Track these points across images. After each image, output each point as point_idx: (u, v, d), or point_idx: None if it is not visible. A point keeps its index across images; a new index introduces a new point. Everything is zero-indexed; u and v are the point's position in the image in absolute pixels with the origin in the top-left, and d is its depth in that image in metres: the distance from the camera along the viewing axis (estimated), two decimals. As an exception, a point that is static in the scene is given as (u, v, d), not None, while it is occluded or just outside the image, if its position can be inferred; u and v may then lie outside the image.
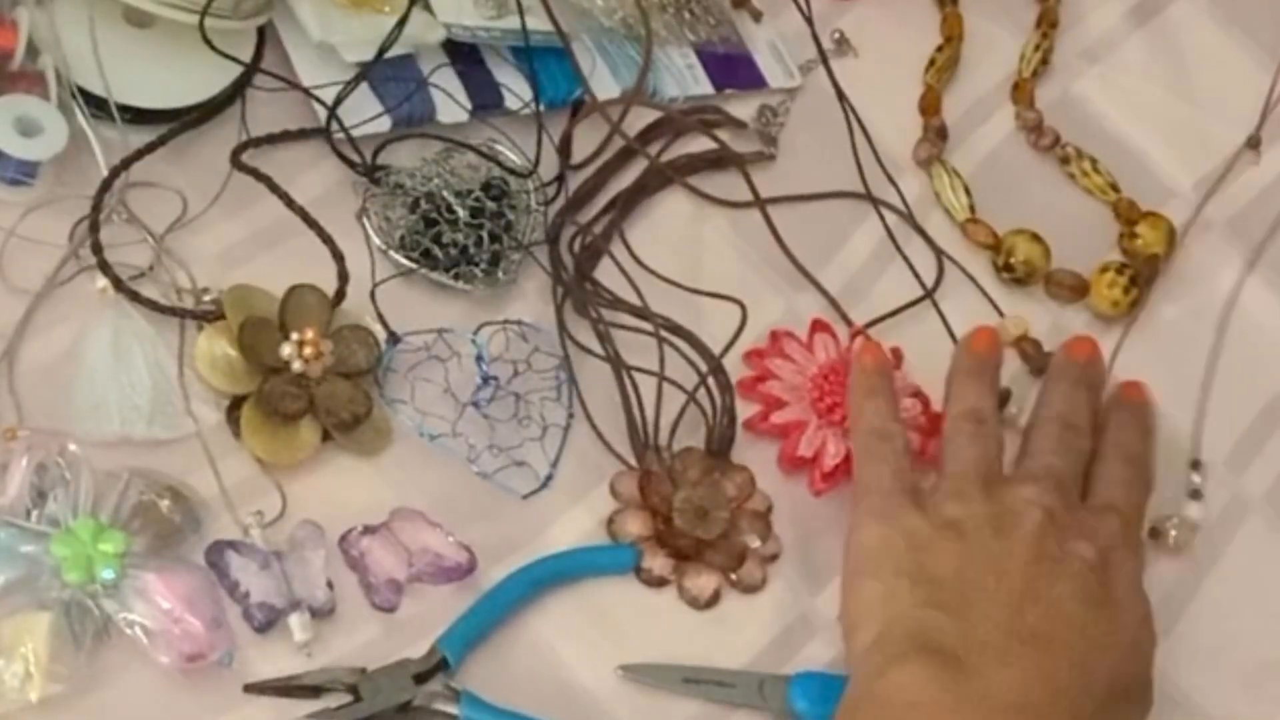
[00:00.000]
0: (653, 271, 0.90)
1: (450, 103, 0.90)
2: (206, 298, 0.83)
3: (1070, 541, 0.80)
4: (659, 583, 0.83)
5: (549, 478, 0.84)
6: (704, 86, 0.96)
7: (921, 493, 0.83)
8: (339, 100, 0.86)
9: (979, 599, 0.78)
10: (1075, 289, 0.95)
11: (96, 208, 0.82)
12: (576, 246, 0.90)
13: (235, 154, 0.85)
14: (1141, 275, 0.95)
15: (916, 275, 0.94)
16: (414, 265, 0.86)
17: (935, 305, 0.93)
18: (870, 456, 0.84)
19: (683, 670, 0.81)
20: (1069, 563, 0.79)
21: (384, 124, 0.88)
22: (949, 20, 1.01)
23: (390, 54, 0.87)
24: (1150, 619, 0.82)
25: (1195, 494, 0.90)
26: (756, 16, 0.99)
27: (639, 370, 0.86)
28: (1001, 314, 0.94)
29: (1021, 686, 0.76)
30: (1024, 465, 0.84)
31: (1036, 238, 0.95)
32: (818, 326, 0.91)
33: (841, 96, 0.97)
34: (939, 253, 0.95)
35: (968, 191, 0.96)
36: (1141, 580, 0.82)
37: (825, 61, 0.98)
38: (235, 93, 0.87)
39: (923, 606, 0.78)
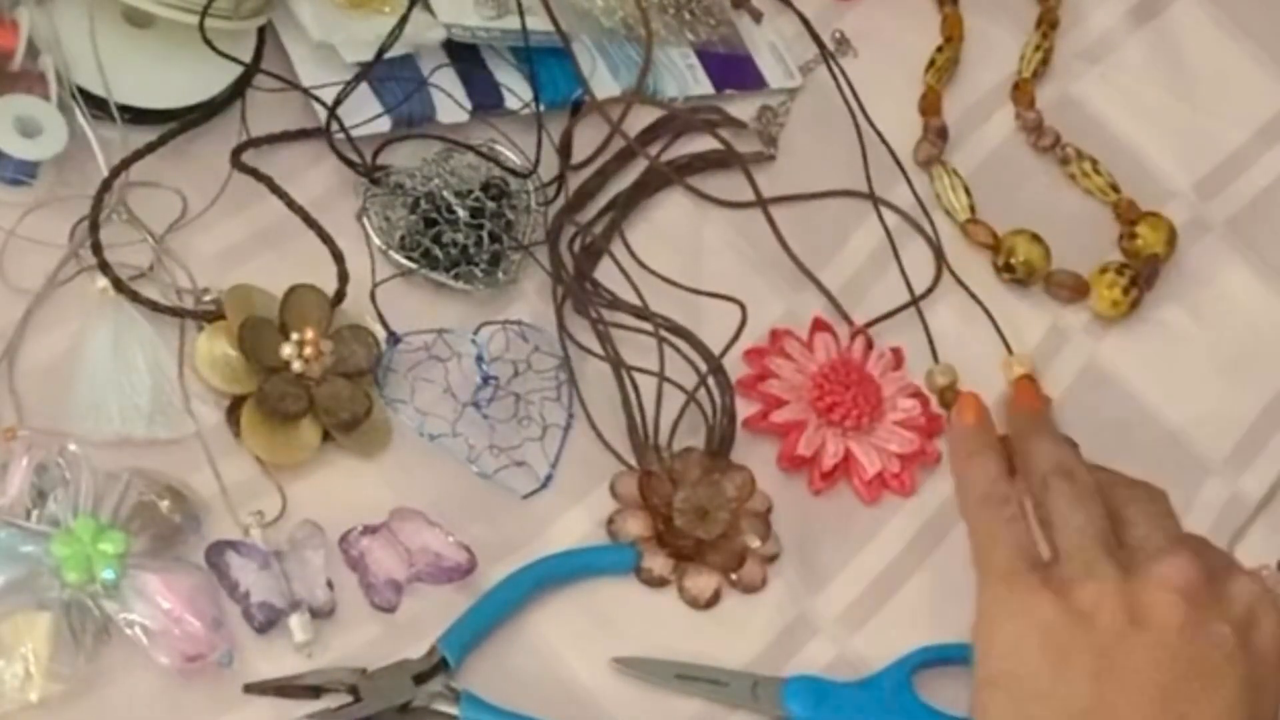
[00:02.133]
0: (653, 271, 0.90)
1: (450, 103, 0.90)
2: (206, 298, 0.83)
3: (1211, 627, 0.74)
4: (659, 583, 0.83)
5: (549, 478, 0.84)
6: (704, 86, 0.96)
7: (1048, 567, 0.76)
8: (339, 100, 0.86)
9: None
10: (1075, 289, 0.95)
11: (96, 208, 0.82)
12: (576, 246, 0.90)
13: (235, 154, 0.85)
14: (1141, 275, 0.95)
15: (907, 282, 0.94)
16: (414, 265, 0.86)
17: (920, 314, 0.93)
18: (984, 529, 0.78)
19: (676, 666, 0.81)
20: (1211, 658, 0.73)
21: (384, 124, 0.88)
22: (949, 20, 1.01)
23: (390, 54, 0.87)
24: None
25: None
26: (756, 17, 0.99)
27: (639, 370, 0.86)
28: (995, 321, 0.94)
29: None
30: (1139, 533, 0.78)
31: (1036, 238, 0.95)
32: (818, 326, 0.91)
33: (847, 95, 0.97)
34: (938, 253, 0.95)
35: (968, 192, 0.96)
36: None
37: (829, 60, 0.98)
38: (235, 93, 0.87)
39: None
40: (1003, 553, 0.77)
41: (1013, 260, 0.95)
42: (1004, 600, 0.75)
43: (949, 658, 0.84)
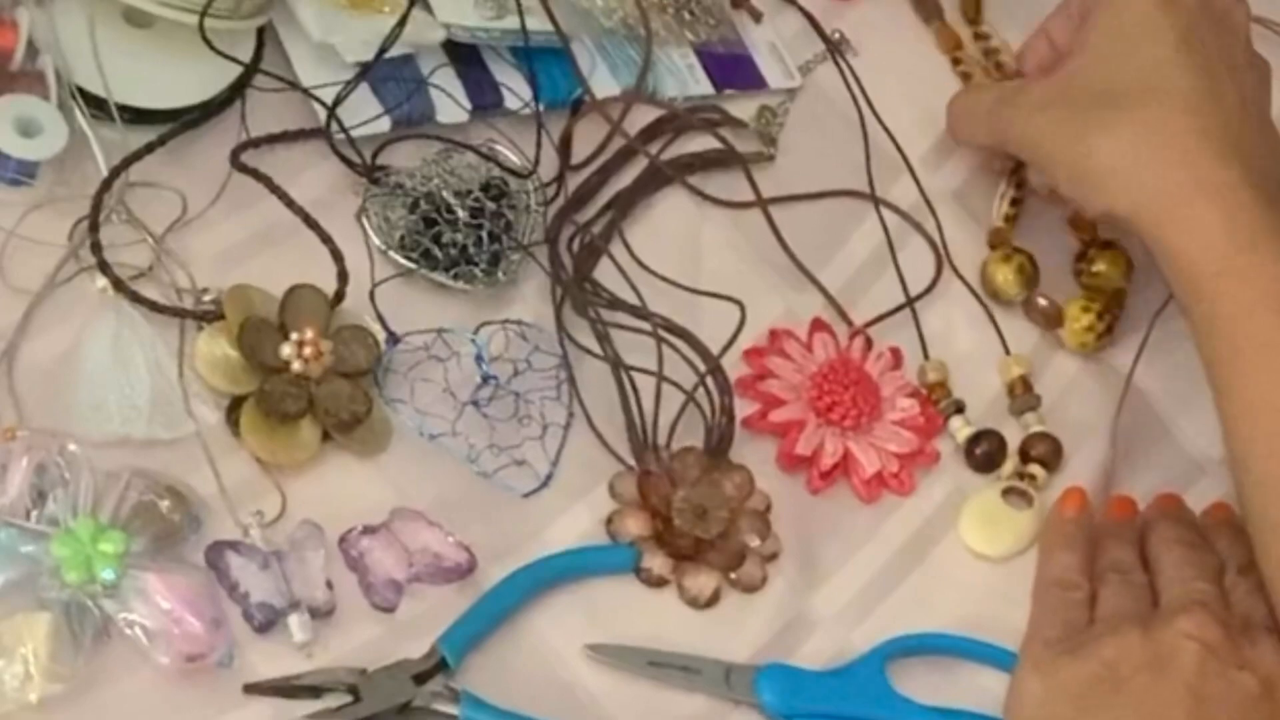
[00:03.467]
0: (652, 271, 0.90)
1: (450, 103, 0.90)
2: (206, 298, 0.83)
3: (1232, 673, 0.78)
4: (659, 583, 0.83)
5: (549, 476, 0.84)
6: (704, 86, 0.96)
7: (1083, 639, 0.82)
8: (339, 100, 0.86)
9: None
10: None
11: (96, 208, 0.82)
12: (576, 246, 0.90)
13: (235, 154, 0.85)
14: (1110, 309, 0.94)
15: (903, 282, 0.94)
16: (414, 265, 0.86)
17: (914, 313, 0.93)
18: (1046, 605, 0.85)
19: (649, 653, 0.81)
20: (1232, 699, 0.78)
21: (384, 124, 0.88)
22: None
23: (390, 54, 0.87)
24: None
25: None
26: (756, 17, 0.99)
27: (638, 370, 0.86)
28: (994, 319, 0.94)
29: None
30: (1168, 594, 0.83)
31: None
32: (817, 326, 0.91)
33: (855, 90, 0.97)
34: (939, 251, 0.95)
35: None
36: None
37: (835, 55, 0.98)
38: (235, 93, 0.87)
39: None
40: (1049, 623, 0.83)
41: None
42: (1035, 661, 0.81)
43: (923, 647, 0.85)
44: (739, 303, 0.88)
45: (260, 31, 0.88)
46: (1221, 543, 0.86)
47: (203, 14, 0.82)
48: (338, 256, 0.84)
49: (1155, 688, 0.78)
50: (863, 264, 0.94)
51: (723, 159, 0.93)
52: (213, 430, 0.81)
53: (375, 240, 0.86)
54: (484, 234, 0.87)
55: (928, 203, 0.96)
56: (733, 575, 0.84)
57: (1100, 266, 0.95)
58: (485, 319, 0.86)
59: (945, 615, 0.86)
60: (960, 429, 0.90)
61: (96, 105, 0.84)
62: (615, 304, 0.88)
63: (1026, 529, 0.88)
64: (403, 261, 0.86)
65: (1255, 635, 0.80)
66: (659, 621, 0.82)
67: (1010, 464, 0.90)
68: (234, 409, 0.81)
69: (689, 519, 0.83)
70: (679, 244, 0.92)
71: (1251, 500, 0.81)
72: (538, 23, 0.91)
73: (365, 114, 0.88)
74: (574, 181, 0.92)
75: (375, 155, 0.88)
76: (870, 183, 0.96)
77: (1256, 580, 0.83)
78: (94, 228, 0.82)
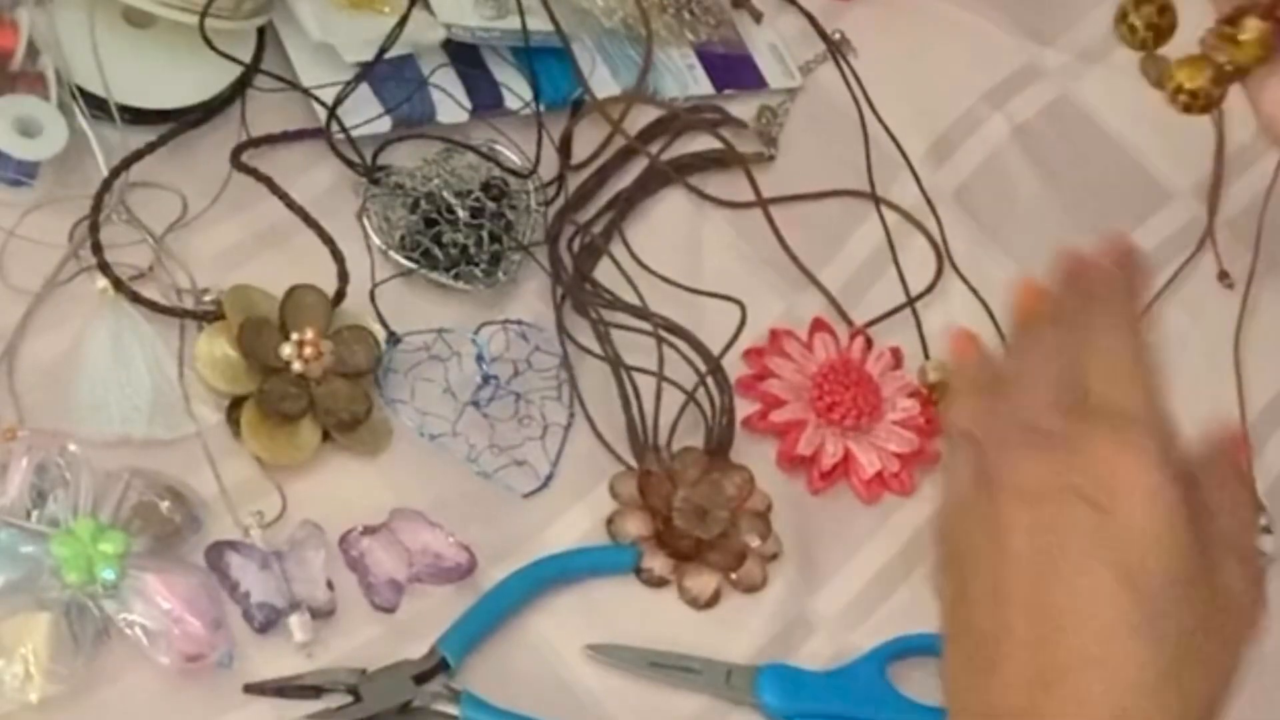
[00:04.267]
0: (652, 271, 0.90)
1: (450, 103, 0.90)
2: (206, 298, 0.83)
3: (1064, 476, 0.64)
4: (659, 583, 0.83)
5: (549, 477, 0.84)
6: (704, 87, 0.96)
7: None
8: (339, 100, 0.86)
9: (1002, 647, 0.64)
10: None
11: (96, 208, 0.82)
12: (576, 246, 0.90)
13: (235, 154, 0.85)
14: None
15: (904, 282, 0.94)
16: (414, 265, 0.86)
17: (915, 313, 0.93)
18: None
19: (650, 654, 0.81)
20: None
21: (384, 124, 0.89)
22: None
23: (390, 54, 0.87)
24: (1167, 490, 0.64)
25: (1265, 529, 0.90)
26: (757, 17, 0.99)
27: (638, 370, 0.86)
28: (996, 322, 0.94)
29: None
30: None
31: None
32: (818, 326, 0.91)
33: (855, 91, 0.97)
34: (939, 251, 0.95)
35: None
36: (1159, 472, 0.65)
37: (836, 55, 0.98)
38: (235, 93, 0.87)
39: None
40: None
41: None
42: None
43: (924, 648, 0.85)
44: (739, 303, 0.88)
45: (260, 31, 0.88)
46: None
47: (203, 14, 0.82)
48: (338, 256, 0.84)
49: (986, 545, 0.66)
50: (863, 264, 0.94)
51: (723, 159, 0.93)
52: (213, 430, 0.81)
53: (375, 240, 0.87)
54: (484, 234, 0.87)
55: (928, 202, 0.96)
56: (733, 575, 0.84)
57: (1246, 35, 0.79)
58: (485, 319, 0.86)
59: (945, 615, 0.86)
60: (961, 429, 0.90)
61: (96, 105, 0.84)
62: (615, 304, 0.88)
63: (1027, 529, 0.88)
64: (403, 261, 0.86)
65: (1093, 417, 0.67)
66: (659, 621, 0.82)
67: (1010, 464, 0.90)
68: (234, 409, 0.81)
69: (689, 519, 0.83)
70: (679, 244, 0.92)
71: None
72: (538, 23, 0.91)
73: (365, 114, 0.88)
74: (574, 181, 0.92)
75: (375, 155, 0.88)
76: (870, 182, 0.96)
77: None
78: (94, 228, 0.82)
